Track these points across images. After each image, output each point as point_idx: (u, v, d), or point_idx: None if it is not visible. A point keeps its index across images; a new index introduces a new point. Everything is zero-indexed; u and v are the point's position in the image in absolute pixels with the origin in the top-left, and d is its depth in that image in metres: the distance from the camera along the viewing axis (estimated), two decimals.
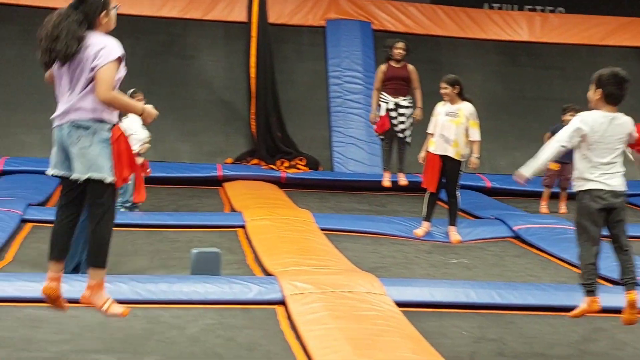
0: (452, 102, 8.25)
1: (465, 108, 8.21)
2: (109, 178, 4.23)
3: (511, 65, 13.75)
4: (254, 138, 12.24)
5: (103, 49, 4.24)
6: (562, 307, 5.69)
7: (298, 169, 11.82)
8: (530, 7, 14.34)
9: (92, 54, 4.23)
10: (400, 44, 9.70)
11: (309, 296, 5.50)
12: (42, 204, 9.03)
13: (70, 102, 4.28)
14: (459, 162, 8.22)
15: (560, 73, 13.72)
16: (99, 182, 4.24)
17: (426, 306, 5.86)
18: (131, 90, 8.55)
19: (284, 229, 7.80)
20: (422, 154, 8.44)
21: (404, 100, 9.62)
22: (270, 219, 8.20)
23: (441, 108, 8.34)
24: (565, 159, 9.57)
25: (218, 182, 11.13)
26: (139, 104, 4.51)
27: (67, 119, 4.27)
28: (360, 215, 9.57)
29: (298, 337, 4.98)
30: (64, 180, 4.39)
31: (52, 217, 7.82)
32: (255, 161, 11.99)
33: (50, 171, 4.41)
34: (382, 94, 9.67)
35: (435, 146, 8.24)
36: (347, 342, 4.72)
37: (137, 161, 4.53)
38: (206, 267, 6.16)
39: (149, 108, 4.43)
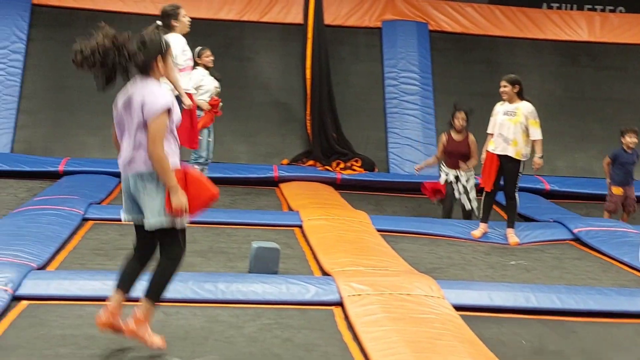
0: (510, 101, 8.16)
1: (524, 107, 8.11)
2: (178, 224, 4.34)
3: (570, 66, 13.53)
4: (309, 139, 12.27)
5: (149, 99, 4.29)
6: (624, 313, 5.58)
7: (354, 170, 11.81)
8: (589, 6, 14.09)
9: (140, 104, 4.30)
10: (461, 114, 9.25)
11: (367, 298, 5.49)
12: (102, 202, 9.16)
13: (128, 151, 4.38)
14: (518, 162, 8.12)
15: (620, 73, 13.46)
16: (167, 228, 4.37)
17: (485, 310, 5.79)
18: (199, 48, 8.94)
19: (340, 229, 7.81)
20: (483, 155, 8.37)
21: (465, 173, 9.25)
22: (327, 219, 8.21)
23: (500, 107, 8.27)
24: (628, 181, 9.43)
25: (274, 183, 11.19)
26: (173, 179, 4.38)
27: (130, 170, 4.38)
28: (416, 216, 9.51)
29: (356, 338, 4.97)
30: (136, 225, 4.54)
31: (111, 216, 8.11)
32: (310, 162, 12.02)
33: (123, 217, 4.57)
34: (442, 164, 9.46)
35: (494, 145, 8.17)
36: (406, 344, 4.70)
37: (210, 186, 4.54)
38: (265, 262, 6.22)
39: (178, 196, 4.35)
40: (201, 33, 12.79)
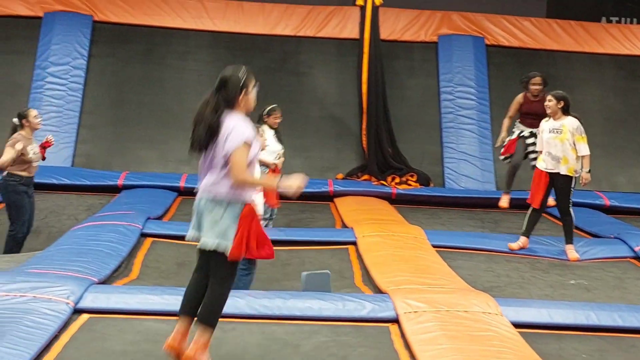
0: (555, 117, 8.08)
1: (569, 123, 8.02)
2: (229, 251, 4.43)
3: (630, 80, 13.30)
4: (364, 154, 12.27)
5: (232, 132, 4.44)
6: None
7: (409, 184, 11.77)
8: None
9: (224, 138, 4.44)
10: (537, 79, 9.28)
11: (423, 315, 5.45)
12: (161, 217, 9.27)
13: (210, 179, 4.52)
14: (569, 178, 8.02)
15: None
16: (221, 253, 4.46)
17: (544, 328, 5.71)
18: (270, 107, 8.80)
19: (395, 245, 7.78)
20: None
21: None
22: (382, 236, 8.19)
23: (545, 124, 8.20)
24: None
25: (329, 197, 11.20)
26: (272, 180, 4.66)
27: (205, 194, 4.52)
28: (473, 232, 9.43)
29: (412, 356, 4.93)
30: (199, 247, 4.62)
31: (169, 231, 8.20)
32: (366, 177, 12.02)
33: (188, 236, 4.66)
34: (516, 123, 9.45)
35: (545, 164, 8.09)
36: None
37: (266, 239, 4.65)
38: (316, 287, 6.19)
39: (289, 182, 4.53)
40: (258, 48, 12.96)
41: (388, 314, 5.60)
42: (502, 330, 5.29)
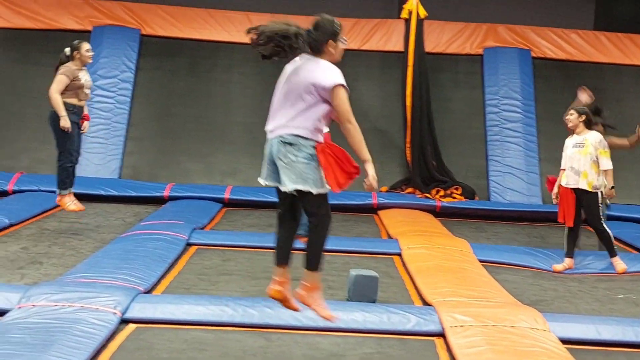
0: (577, 131, 8.00)
1: (592, 137, 7.93)
2: (314, 189, 4.41)
3: None
4: (409, 166, 12.24)
5: (326, 71, 4.46)
6: None
7: (454, 197, 11.70)
8: None
9: (314, 78, 4.43)
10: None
11: (469, 329, 5.40)
12: (205, 228, 9.34)
13: (285, 118, 4.53)
14: (594, 194, 7.91)
15: None
16: (308, 194, 4.48)
17: (592, 344, 5.62)
18: None
19: (441, 257, 7.73)
20: (556, 190, 8.19)
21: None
22: (427, 248, 8.15)
23: (569, 141, 8.15)
24: None
25: (373, 210, 11.19)
26: (366, 149, 4.61)
27: (276, 134, 4.54)
28: (519, 247, 9.31)
29: None
30: (277, 191, 4.66)
31: (214, 241, 8.26)
32: (410, 190, 11.98)
33: (261, 181, 4.71)
34: None
35: (567, 179, 8.01)
36: None
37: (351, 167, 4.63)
38: (364, 290, 6.20)
39: (372, 168, 4.61)
40: None
41: (434, 327, 5.56)
42: (550, 347, 5.21)
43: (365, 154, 4.62)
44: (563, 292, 7.28)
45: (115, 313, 5.34)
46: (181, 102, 12.79)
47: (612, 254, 8.11)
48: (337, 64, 4.64)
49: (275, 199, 11.29)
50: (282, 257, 4.77)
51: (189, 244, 8.15)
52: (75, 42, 8.28)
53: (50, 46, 12.82)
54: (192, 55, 13.08)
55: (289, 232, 4.76)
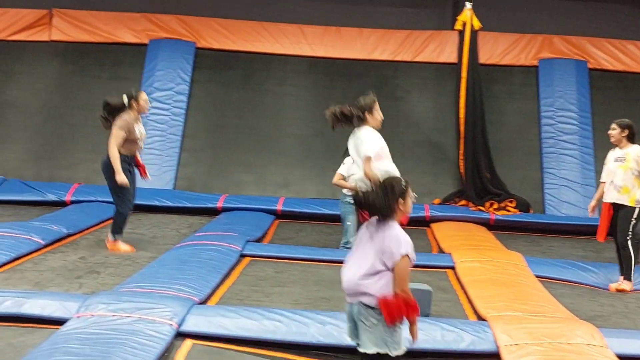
0: (619, 145, 7.86)
1: (633, 151, 7.78)
2: (393, 352, 4.45)
3: None
4: (462, 179, 12.16)
5: (393, 246, 4.47)
6: None
7: (508, 210, 11.58)
8: None
9: (385, 245, 4.47)
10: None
11: (525, 348, 5.31)
12: (259, 240, 9.40)
13: (358, 273, 4.50)
14: (631, 209, 7.74)
15: None
16: (385, 355, 4.49)
17: None
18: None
19: (495, 271, 7.65)
20: (592, 203, 8.06)
21: None
22: (481, 261, 8.08)
23: (611, 154, 8.00)
24: None
25: (425, 222, 11.13)
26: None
27: (356, 300, 4.52)
28: (575, 261, 9.17)
29: None
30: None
31: (267, 253, 8.31)
32: (463, 202, 11.89)
33: (347, 339, 4.71)
34: None
35: (606, 194, 7.87)
36: None
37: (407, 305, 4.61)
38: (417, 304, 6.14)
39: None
40: (355, 73, 13.05)
41: (488, 346, 5.46)
42: None
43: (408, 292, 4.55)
44: (620, 307, 7.15)
45: (171, 325, 5.39)
46: (235, 114, 12.91)
47: (627, 275, 7.85)
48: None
49: (328, 211, 11.24)
50: None
51: (243, 255, 8.21)
52: (133, 90, 8.27)
53: (107, 59, 13.10)
54: (246, 67, 13.20)
55: None
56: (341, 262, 8.02)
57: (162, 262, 7.45)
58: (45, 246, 8.18)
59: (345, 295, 4.60)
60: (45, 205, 10.86)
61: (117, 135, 8.03)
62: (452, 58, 12.75)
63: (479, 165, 12.06)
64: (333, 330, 5.51)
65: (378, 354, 4.53)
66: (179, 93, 12.83)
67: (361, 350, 4.55)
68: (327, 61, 13.22)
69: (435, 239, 10.09)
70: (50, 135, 12.60)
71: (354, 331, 4.61)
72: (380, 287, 4.48)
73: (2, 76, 12.98)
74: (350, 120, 7.75)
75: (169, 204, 11.15)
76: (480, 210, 11.57)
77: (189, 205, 11.18)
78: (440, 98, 12.92)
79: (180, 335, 5.41)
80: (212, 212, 11.01)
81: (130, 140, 8.06)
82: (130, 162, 8.20)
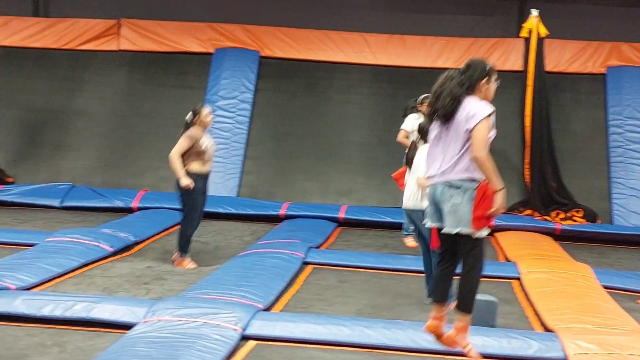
0: None
1: None
2: (476, 233, 4.49)
3: None
4: (527, 188, 11.99)
5: (474, 110, 4.63)
6: None
7: (574, 220, 11.37)
8: None
9: (465, 117, 4.63)
10: None
11: (594, 357, 5.22)
12: (321, 246, 9.42)
13: (446, 163, 4.70)
14: None
15: None
16: (468, 236, 4.63)
17: None
18: (423, 96, 9.18)
19: (562, 283, 7.52)
20: None
21: None
22: (547, 272, 7.95)
23: None
24: None
25: (490, 232, 10.96)
26: (500, 182, 4.68)
27: (441, 180, 4.69)
28: None
29: None
30: (439, 232, 4.83)
31: (330, 260, 8.32)
32: (528, 212, 11.72)
33: (427, 223, 4.93)
34: None
35: None
36: None
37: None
38: (483, 315, 6.09)
39: (500, 200, 4.67)
40: (419, 81, 12.97)
41: (556, 354, 5.40)
42: None
43: (497, 184, 4.68)
44: None
45: (236, 329, 5.44)
46: (298, 122, 12.98)
47: None
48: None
49: (390, 219, 11.24)
50: (440, 294, 4.91)
51: (305, 263, 8.23)
52: (198, 106, 8.39)
53: (174, 68, 13.30)
54: (309, 76, 13.26)
55: (447, 271, 4.90)
56: (404, 270, 8.09)
57: (227, 269, 7.52)
58: (114, 253, 8.32)
59: (428, 180, 4.74)
60: (112, 211, 11.07)
61: (179, 143, 8.12)
62: (518, 66, 12.59)
63: (544, 174, 11.87)
64: (397, 334, 5.49)
65: (460, 236, 4.57)
66: (243, 101, 12.95)
67: (445, 230, 4.61)
68: (391, 69, 13.19)
69: (501, 248, 9.97)
70: (117, 143, 12.84)
71: (435, 214, 4.71)
72: (466, 163, 4.58)
73: (72, 85, 13.30)
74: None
75: (233, 211, 11.25)
76: (546, 220, 11.38)
77: (252, 212, 11.27)
78: (506, 106, 12.74)
79: (245, 339, 5.46)
80: (275, 219, 11.07)
81: (198, 152, 8.08)
82: (204, 183, 8.23)
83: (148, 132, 12.80)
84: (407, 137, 9.45)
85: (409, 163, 7.32)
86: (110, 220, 10.08)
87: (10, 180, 12.12)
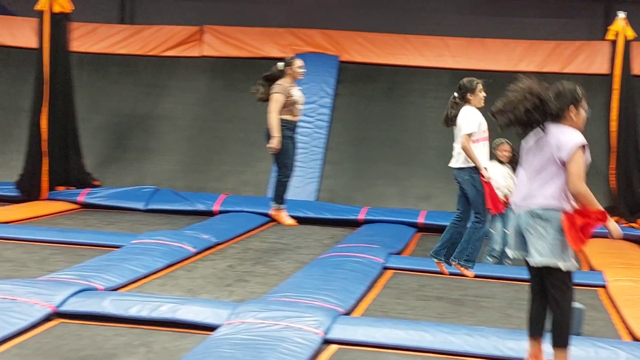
0: None
1: None
2: (562, 265, 4.39)
3: None
4: (613, 194, 11.70)
5: (565, 139, 4.50)
6: None
7: None
8: None
9: (555, 144, 4.49)
10: None
11: None
12: (401, 252, 9.38)
13: (528, 187, 4.58)
14: None
15: None
16: (554, 268, 4.48)
17: None
18: (496, 140, 8.85)
19: None
20: None
21: None
22: (635, 281, 7.76)
23: None
24: None
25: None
26: (596, 204, 4.53)
27: (525, 207, 4.56)
28: None
29: None
30: (527, 264, 4.70)
31: (410, 266, 8.29)
32: (614, 218, 11.41)
33: (509, 253, 4.81)
34: None
35: None
36: None
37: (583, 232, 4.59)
38: None
39: (613, 225, 4.58)
40: (500, 85, 12.76)
41: None
42: None
43: (600, 209, 4.57)
44: None
45: (318, 333, 5.47)
46: (377, 126, 12.97)
47: None
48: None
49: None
50: (535, 330, 4.81)
51: (385, 268, 8.22)
52: (289, 57, 8.60)
53: (255, 74, 13.37)
54: (389, 80, 13.25)
55: (540, 305, 4.77)
56: (484, 276, 7.99)
57: (307, 273, 7.56)
58: (196, 254, 8.48)
59: (514, 208, 4.59)
60: (194, 214, 11.26)
61: (276, 99, 8.38)
62: (604, 69, 12.31)
63: (631, 180, 11.58)
64: (480, 342, 5.44)
65: (547, 268, 4.44)
66: (322, 106, 13.02)
67: (530, 262, 4.46)
68: (471, 73, 12.93)
69: (585, 256, 9.75)
70: (200, 148, 13.07)
71: (520, 244, 4.56)
72: (553, 191, 4.39)
73: (157, 90, 13.60)
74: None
75: (312, 214, 11.30)
76: (632, 227, 11.09)
77: (330, 216, 11.30)
78: (590, 110, 12.48)
79: (327, 343, 5.49)
80: (354, 224, 11.08)
81: (289, 103, 8.36)
82: (293, 129, 8.50)
83: (229, 137, 12.99)
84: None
85: (449, 122, 7.35)
86: (192, 223, 10.26)
87: (97, 183, 12.46)
